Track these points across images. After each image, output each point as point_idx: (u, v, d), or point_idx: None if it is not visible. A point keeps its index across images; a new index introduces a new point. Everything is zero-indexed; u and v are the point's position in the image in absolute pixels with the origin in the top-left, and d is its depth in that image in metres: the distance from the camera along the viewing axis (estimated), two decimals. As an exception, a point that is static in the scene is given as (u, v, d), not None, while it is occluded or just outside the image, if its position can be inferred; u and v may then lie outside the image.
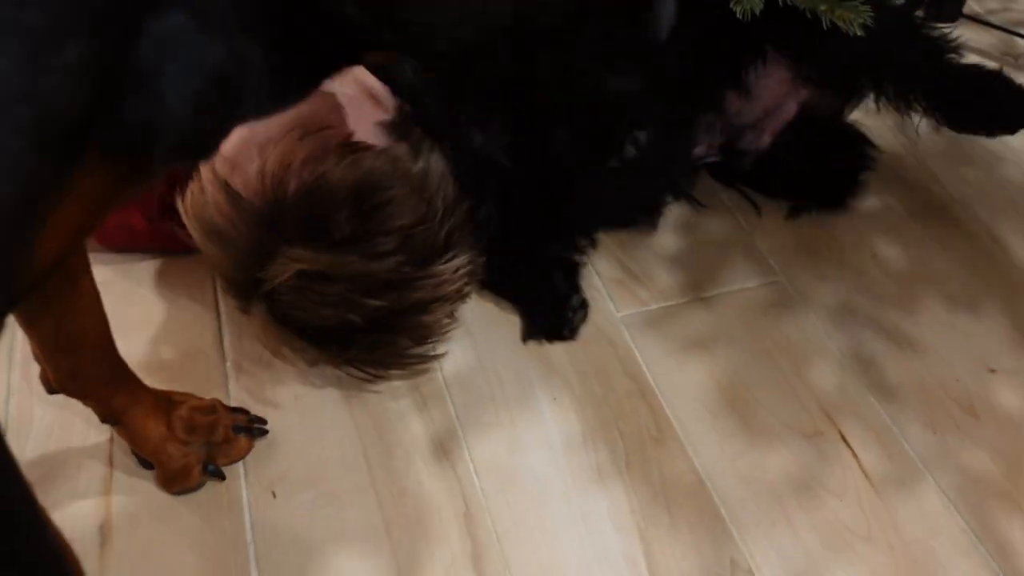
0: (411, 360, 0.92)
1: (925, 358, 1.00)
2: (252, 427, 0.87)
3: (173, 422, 0.81)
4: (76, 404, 0.78)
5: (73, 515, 0.81)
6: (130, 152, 0.40)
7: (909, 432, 0.93)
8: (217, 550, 0.79)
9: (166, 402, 0.81)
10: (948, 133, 1.28)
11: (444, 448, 0.88)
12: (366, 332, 0.86)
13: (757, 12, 0.78)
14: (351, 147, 0.86)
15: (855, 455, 0.90)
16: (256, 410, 0.89)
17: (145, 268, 1.03)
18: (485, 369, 0.96)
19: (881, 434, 0.92)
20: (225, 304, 0.99)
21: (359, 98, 0.90)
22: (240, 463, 0.86)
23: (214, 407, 0.85)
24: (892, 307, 1.04)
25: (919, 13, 1.18)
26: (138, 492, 0.83)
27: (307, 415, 0.90)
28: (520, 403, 0.93)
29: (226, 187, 0.83)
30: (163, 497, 0.83)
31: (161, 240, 1.00)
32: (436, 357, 0.94)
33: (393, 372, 0.92)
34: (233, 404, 0.89)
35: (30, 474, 0.43)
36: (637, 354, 0.98)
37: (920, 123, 1.09)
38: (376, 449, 0.88)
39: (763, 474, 0.88)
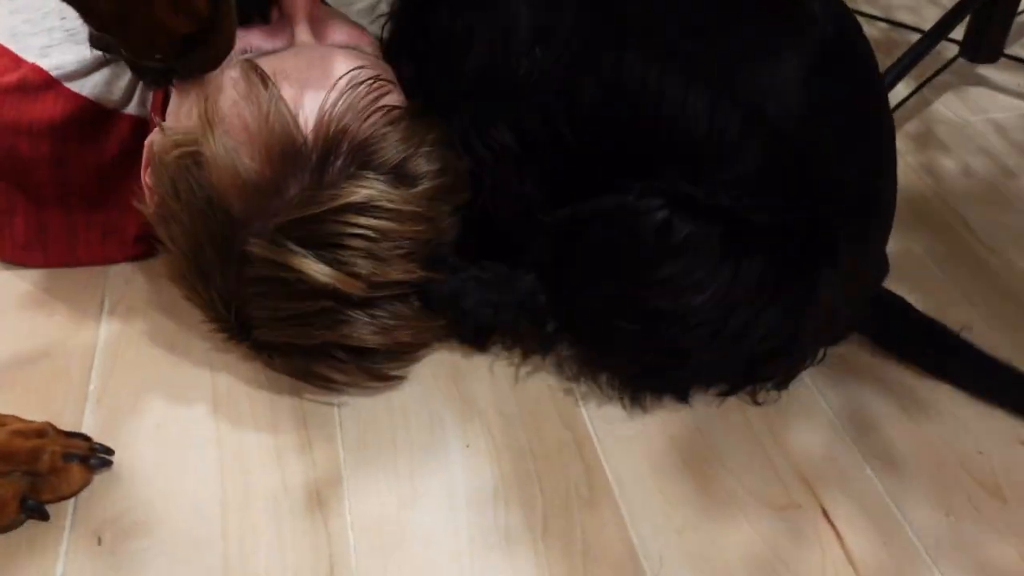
0: (375, 368, 0.80)
1: (941, 425, 0.80)
2: (92, 455, 0.72)
3: None
4: None
5: None
6: None
7: (913, 513, 0.73)
8: (10, 603, 0.64)
9: (-22, 423, 0.67)
10: (981, 174, 1.12)
11: (320, 497, 0.72)
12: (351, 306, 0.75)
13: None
14: (418, 111, 0.79)
15: (838, 535, 0.71)
16: (107, 439, 0.74)
17: (31, 272, 0.91)
18: (391, 406, 0.80)
19: (875, 513, 0.73)
20: (107, 318, 0.86)
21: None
22: (71, 499, 0.71)
23: (43, 431, 0.71)
24: (903, 363, 0.85)
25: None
26: (-60, 528, 0.68)
27: (167, 449, 0.75)
28: (425, 448, 0.76)
29: (278, 100, 0.72)
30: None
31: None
32: (398, 376, 0.81)
33: (347, 378, 0.79)
34: (84, 431, 0.75)
35: None
36: (579, 400, 0.81)
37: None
38: (237, 494, 0.72)
39: (717, 552, 0.69)
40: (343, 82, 0.75)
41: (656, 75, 0.72)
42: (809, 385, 0.84)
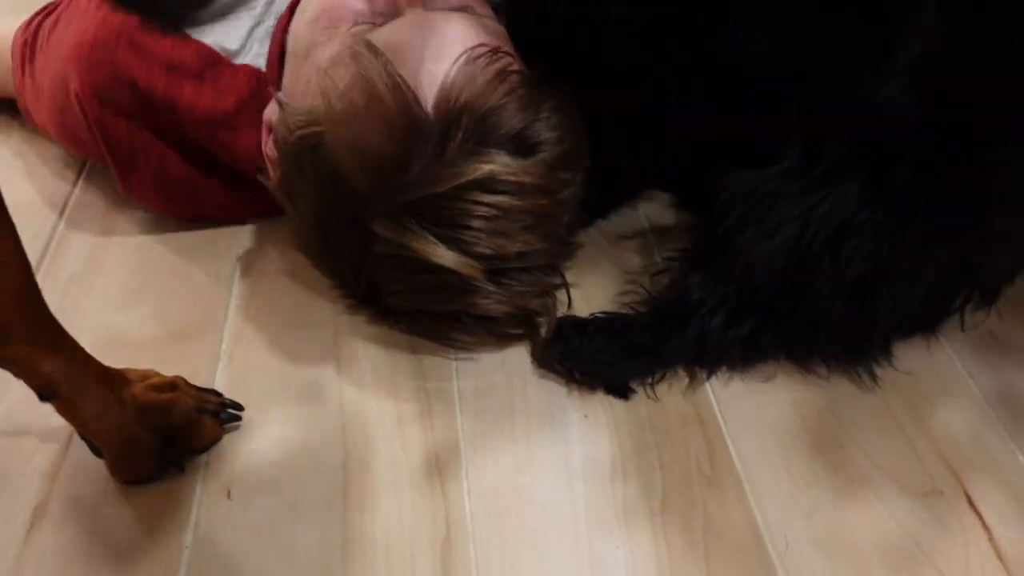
0: (500, 330, 0.81)
1: (1105, 410, 0.73)
2: (222, 410, 0.75)
3: (124, 400, 0.70)
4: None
5: (11, 494, 0.71)
6: None
7: (1071, 504, 0.67)
8: (148, 549, 0.67)
9: (117, 378, 0.70)
10: None
11: (439, 462, 0.72)
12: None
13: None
14: (535, 80, 0.77)
15: (986, 527, 0.66)
16: (238, 396, 0.77)
17: (169, 235, 0.94)
18: (510, 374, 0.79)
19: (1027, 502, 0.67)
20: (239, 282, 0.89)
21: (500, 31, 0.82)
22: (204, 454, 0.73)
23: (174, 384, 0.74)
24: (1063, 340, 0.79)
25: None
26: (86, 479, 0.72)
27: (293, 407, 0.77)
28: (543, 418, 0.75)
29: (394, 75, 0.72)
30: (110, 485, 0.71)
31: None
32: (520, 335, 0.81)
33: (474, 340, 0.80)
34: (219, 383, 0.78)
35: None
36: (702, 373, 0.78)
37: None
38: (359, 457, 0.73)
39: (848, 539, 0.66)
40: (462, 56, 0.73)
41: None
42: (955, 362, 0.78)
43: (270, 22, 0.90)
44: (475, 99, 0.72)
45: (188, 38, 0.87)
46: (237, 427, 0.75)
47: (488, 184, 0.71)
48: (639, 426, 0.74)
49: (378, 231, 0.73)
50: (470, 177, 0.71)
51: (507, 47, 0.79)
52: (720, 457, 0.71)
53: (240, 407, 0.76)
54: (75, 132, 0.93)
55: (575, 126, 0.78)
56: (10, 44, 1.01)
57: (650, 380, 0.77)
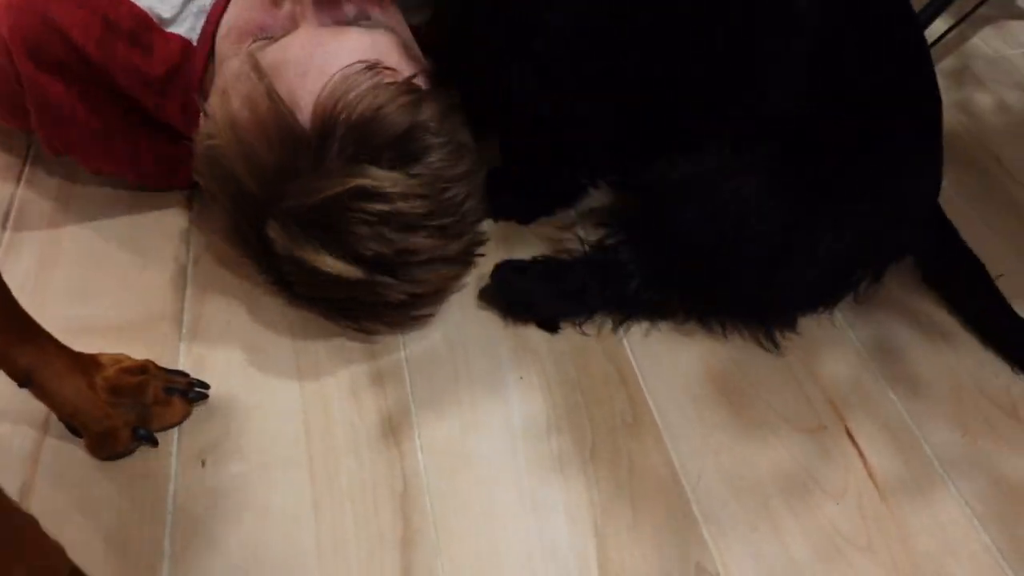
0: (403, 317, 0.87)
1: (961, 351, 0.86)
2: (190, 390, 0.82)
3: (96, 383, 0.76)
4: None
5: (-4, 474, 0.77)
6: None
7: (931, 432, 0.80)
8: (132, 519, 0.74)
9: (90, 363, 0.77)
10: (1017, 109, 1.14)
11: (392, 424, 0.81)
12: (371, 274, 0.80)
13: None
14: (413, 90, 0.82)
15: (861, 454, 0.78)
16: (202, 375, 0.83)
17: (119, 225, 0.99)
18: (452, 344, 0.88)
19: (896, 432, 0.80)
20: (193, 267, 0.95)
21: (404, 43, 0.88)
22: (176, 429, 0.80)
23: (145, 368, 0.80)
24: (927, 293, 0.91)
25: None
26: (66, 457, 0.78)
27: (254, 382, 0.84)
28: (484, 382, 0.84)
29: (274, 94, 0.78)
30: (90, 462, 0.78)
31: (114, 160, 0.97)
32: (429, 316, 0.89)
33: (382, 326, 0.87)
34: (181, 368, 0.84)
35: None
36: (622, 336, 0.88)
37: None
38: (319, 423, 0.81)
39: (750, 471, 0.77)
40: (338, 72, 0.78)
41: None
42: (838, 318, 0.90)
43: (207, 0, 0.94)
44: (350, 111, 0.77)
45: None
46: (204, 404, 0.82)
47: (363, 193, 0.77)
48: (569, 386, 0.84)
49: (271, 234, 0.79)
50: (344, 188, 0.76)
51: (396, 58, 0.84)
52: (640, 409, 0.82)
53: (206, 385, 0.83)
54: (13, 106, 0.93)
55: (459, 131, 0.85)
56: None
57: (577, 321, 0.88)
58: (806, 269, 0.84)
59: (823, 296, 0.90)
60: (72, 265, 0.95)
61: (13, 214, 1.00)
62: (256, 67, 0.80)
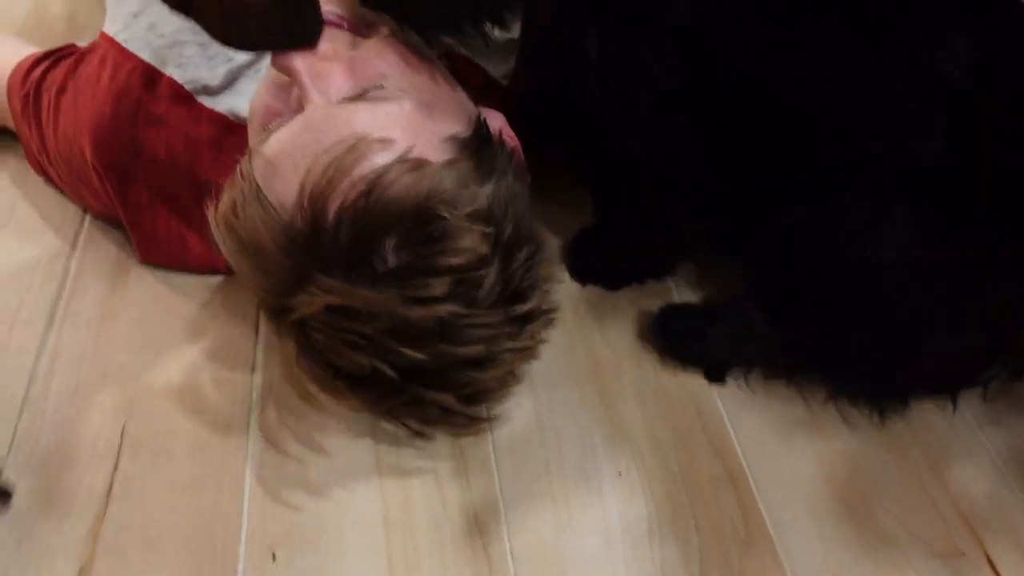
0: (457, 420, 0.78)
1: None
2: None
3: None
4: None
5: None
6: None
7: (1085, 566, 0.71)
8: (197, 616, 0.68)
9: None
10: None
11: (479, 522, 0.74)
12: (403, 384, 0.72)
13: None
14: (414, 162, 0.71)
15: (1006, 588, 0.70)
16: (271, 452, 0.77)
17: (195, 283, 0.93)
18: (543, 430, 0.81)
19: (1046, 565, 0.71)
20: (265, 330, 0.89)
21: (426, 105, 0.75)
22: (244, 516, 0.74)
23: None
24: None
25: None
26: (124, 538, 0.72)
27: (328, 466, 0.78)
28: (579, 475, 0.77)
29: (260, 196, 0.71)
30: (150, 559, 0.72)
31: (214, 260, 0.91)
32: (487, 420, 0.81)
33: (435, 430, 0.79)
34: (252, 440, 0.78)
35: None
36: (730, 429, 0.80)
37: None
38: (400, 515, 0.74)
39: (879, 600, 0.69)
40: (327, 157, 0.68)
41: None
42: (969, 421, 0.81)
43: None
44: (341, 197, 0.68)
45: (202, 107, 0.88)
46: (273, 494, 0.76)
47: (345, 311, 0.68)
48: (672, 483, 0.76)
49: (280, 332, 0.74)
50: (341, 303, 0.68)
51: (400, 130, 0.71)
52: (752, 518, 0.74)
53: (9, 493, 0.75)
54: (93, 197, 0.94)
55: (454, 213, 0.70)
56: (4, 81, 1.00)
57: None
58: (940, 342, 0.75)
59: (945, 380, 0.82)
60: (135, 319, 0.90)
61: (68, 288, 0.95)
62: (241, 169, 0.72)
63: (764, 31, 0.74)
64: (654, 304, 0.90)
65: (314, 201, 0.68)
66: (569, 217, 0.97)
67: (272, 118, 0.76)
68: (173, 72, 0.88)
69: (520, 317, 0.74)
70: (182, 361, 0.86)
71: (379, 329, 0.68)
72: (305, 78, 0.72)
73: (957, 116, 0.71)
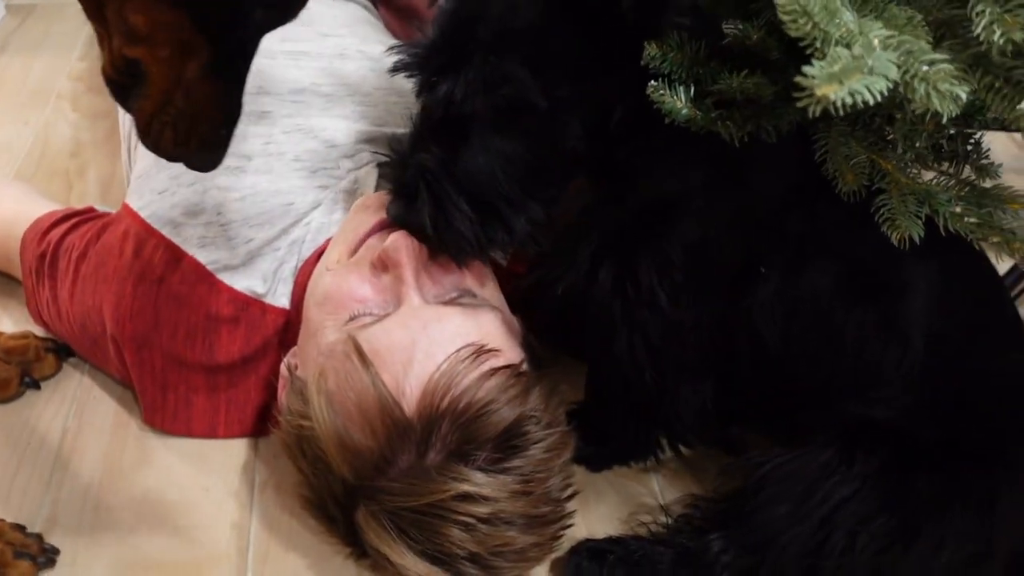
0: None
1: None
2: (41, 555, 0.80)
3: None
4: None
5: None
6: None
7: None
8: None
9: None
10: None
11: None
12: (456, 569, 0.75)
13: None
14: (521, 378, 0.78)
15: None
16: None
17: (190, 445, 0.95)
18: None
19: None
20: (259, 505, 0.90)
21: (502, 312, 0.84)
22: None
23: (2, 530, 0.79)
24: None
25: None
26: None
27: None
28: None
29: (378, 383, 0.74)
30: None
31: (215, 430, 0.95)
32: None
33: None
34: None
35: None
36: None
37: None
38: None
39: None
40: (445, 360, 0.74)
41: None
42: None
43: (293, 262, 0.93)
44: (456, 403, 0.73)
45: (223, 286, 0.91)
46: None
47: (464, 497, 0.72)
48: None
49: (360, 523, 0.76)
50: (445, 494, 0.72)
51: (501, 339, 0.79)
52: None
53: (56, 551, 0.82)
54: (104, 359, 0.96)
55: (560, 414, 0.82)
56: (17, 233, 1.02)
57: None
58: None
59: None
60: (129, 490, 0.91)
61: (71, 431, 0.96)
62: (359, 352, 0.75)
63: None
64: (635, 487, 0.94)
65: (433, 405, 0.73)
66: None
67: (355, 303, 0.80)
68: (196, 253, 0.90)
69: (560, 516, 0.80)
70: (174, 537, 0.87)
71: (487, 511, 0.73)
72: (410, 274, 0.78)
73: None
